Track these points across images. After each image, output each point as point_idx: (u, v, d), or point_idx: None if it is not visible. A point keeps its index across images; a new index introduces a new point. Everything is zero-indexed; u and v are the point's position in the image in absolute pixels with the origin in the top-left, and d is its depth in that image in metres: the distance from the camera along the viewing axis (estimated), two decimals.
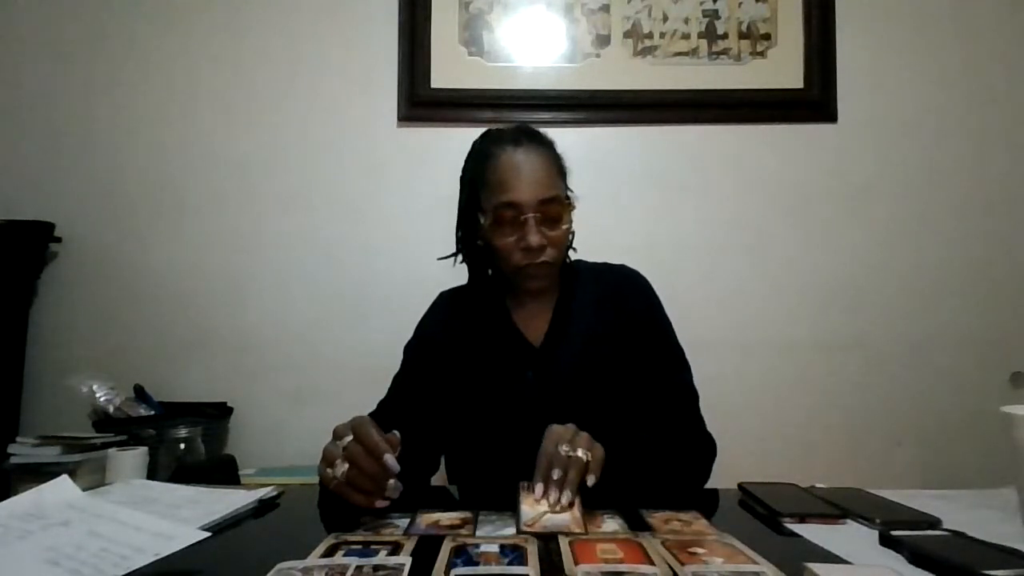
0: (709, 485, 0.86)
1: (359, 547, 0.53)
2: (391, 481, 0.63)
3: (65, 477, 0.70)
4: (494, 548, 0.52)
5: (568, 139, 0.98)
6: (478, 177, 0.91)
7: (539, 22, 1.49)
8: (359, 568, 0.48)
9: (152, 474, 0.92)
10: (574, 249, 1.00)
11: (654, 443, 0.83)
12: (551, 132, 0.95)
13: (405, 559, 0.49)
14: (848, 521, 0.63)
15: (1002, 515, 0.63)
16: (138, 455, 0.89)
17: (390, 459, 0.63)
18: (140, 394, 1.33)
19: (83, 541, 0.55)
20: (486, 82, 1.47)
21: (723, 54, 1.48)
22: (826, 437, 1.43)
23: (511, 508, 0.64)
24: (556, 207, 0.88)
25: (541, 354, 0.93)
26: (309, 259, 1.47)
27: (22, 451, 1.04)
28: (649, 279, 1.00)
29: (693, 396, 0.93)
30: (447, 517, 0.63)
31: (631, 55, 1.48)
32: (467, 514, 0.63)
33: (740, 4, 1.49)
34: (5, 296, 1.38)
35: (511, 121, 1.00)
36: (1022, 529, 0.59)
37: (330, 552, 0.52)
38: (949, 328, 1.44)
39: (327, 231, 1.47)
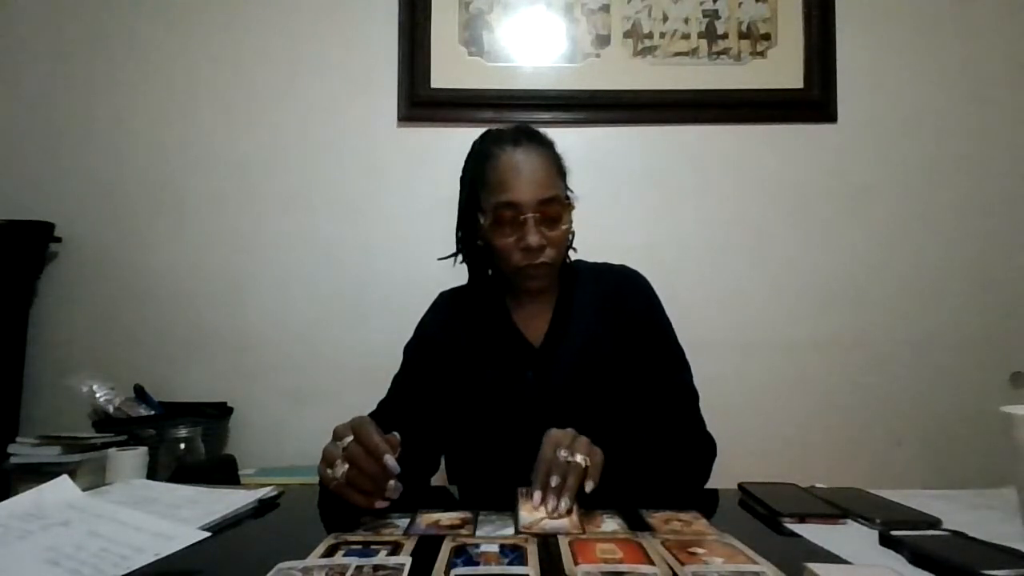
0: (709, 485, 0.86)
1: (359, 547, 0.53)
2: (391, 482, 0.63)
3: (65, 477, 0.70)
4: (494, 548, 0.52)
5: (568, 139, 0.98)
6: (478, 177, 0.91)
7: (539, 22, 1.49)
8: (359, 568, 0.48)
9: (152, 474, 0.92)
10: (574, 249, 1.00)
11: (654, 443, 0.83)
12: (551, 132, 0.95)
13: (405, 559, 0.49)
14: (848, 521, 0.62)
15: (1002, 515, 0.63)
16: (138, 455, 0.89)
17: (390, 460, 0.63)
18: (140, 394, 1.33)
19: (83, 541, 0.55)
20: (486, 82, 1.47)
21: (723, 54, 1.48)
22: (826, 437, 1.43)
23: (511, 509, 0.64)
24: (556, 207, 0.88)
25: (541, 354, 0.93)
26: (309, 259, 1.47)
27: (22, 451, 1.04)
28: (649, 279, 1.00)
29: (693, 396, 0.93)
30: (447, 517, 0.63)
31: (631, 55, 1.48)
32: (467, 514, 0.63)
33: (740, 4, 1.49)
34: (5, 296, 1.38)
35: (511, 121, 1.00)
36: (1022, 529, 0.59)
37: (330, 552, 0.52)
38: (949, 328, 1.44)
39: (327, 231, 1.47)
